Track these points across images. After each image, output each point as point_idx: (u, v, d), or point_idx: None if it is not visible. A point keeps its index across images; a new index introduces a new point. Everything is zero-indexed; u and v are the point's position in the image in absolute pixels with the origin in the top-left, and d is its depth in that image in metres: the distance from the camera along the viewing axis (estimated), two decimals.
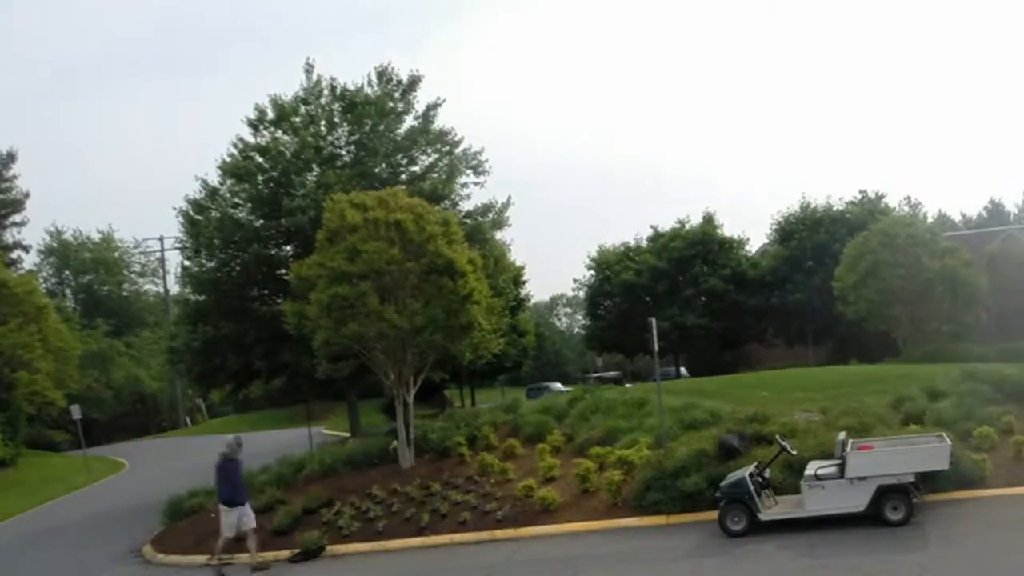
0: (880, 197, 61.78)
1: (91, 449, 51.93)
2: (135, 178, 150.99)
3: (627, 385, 43.67)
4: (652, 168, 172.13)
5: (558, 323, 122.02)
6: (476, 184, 36.11)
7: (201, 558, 21.58)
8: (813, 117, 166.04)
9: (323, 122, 36.17)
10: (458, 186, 35.38)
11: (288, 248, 34.53)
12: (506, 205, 36.17)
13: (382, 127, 35.04)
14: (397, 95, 35.97)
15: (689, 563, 15.63)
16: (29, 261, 79.19)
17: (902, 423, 19.76)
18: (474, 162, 35.65)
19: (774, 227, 63.91)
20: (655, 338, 21.47)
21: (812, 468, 16.76)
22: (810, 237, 58.53)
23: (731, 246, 63.31)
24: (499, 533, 19.37)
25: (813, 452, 17.87)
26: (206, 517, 24.39)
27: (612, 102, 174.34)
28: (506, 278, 37.71)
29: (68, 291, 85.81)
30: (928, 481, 16.55)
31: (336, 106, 35.96)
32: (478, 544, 19.06)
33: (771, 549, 15.47)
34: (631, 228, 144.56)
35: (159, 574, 21.55)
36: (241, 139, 35.87)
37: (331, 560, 19.90)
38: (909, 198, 58.04)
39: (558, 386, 63.82)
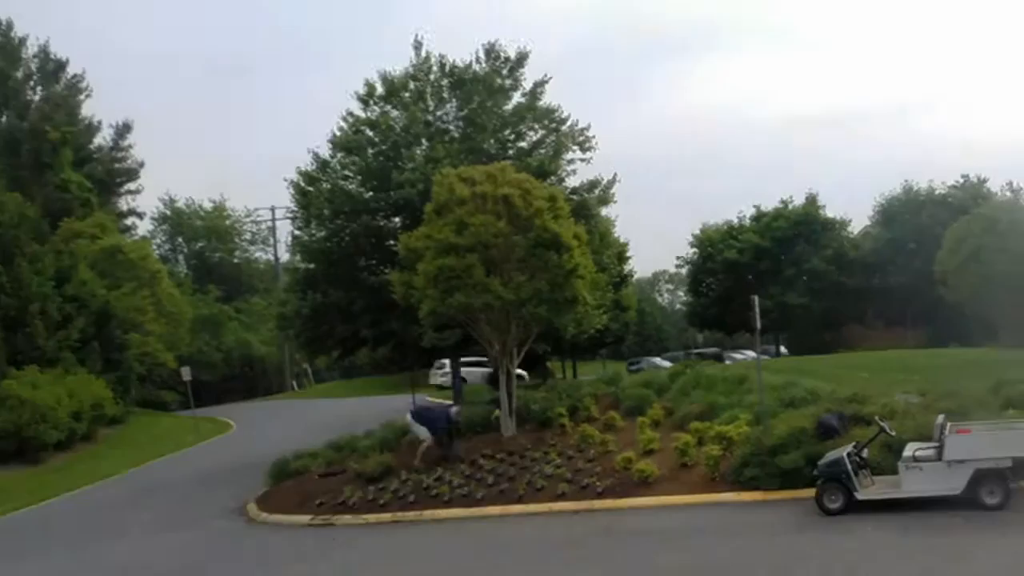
0: (982, 182, 60.67)
1: (200, 410, 53.19)
2: (248, 150, 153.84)
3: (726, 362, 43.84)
4: (757, 146, 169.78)
5: (660, 299, 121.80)
6: (582, 160, 36.34)
7: (304, 518, 22.25)
8: (918, 98, 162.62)
9: (431, 98, 36.59)
10: (564, 162, 35.62)
11: (396, 220, 34.98)
12: (612, 182, 36.34)
13: (490, 103, 35.26)
14: (505, 72, 36.23)
15: (785, 539, 15.83)
16: (143, 228, 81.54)
17: (1001, 407, 19.67)
18: (580, 139, 35.83)
19: (876, 209, 63.26)
20: (757, 316, 21.72)
21: (910, 450, 16.85)
22: (912, 220, 57.79)
23: (833, 227, 62.87)
24: (597, 503, 19.74)
25: (912, 434, 17.89)
26: (310, 479, 25.14)
27: (709, 82, 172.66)
28: (610, 254, 37.89)
29: (180, 257, 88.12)
30: None
31: (445, 82, 36.36)
32: (576, 514, 19.42)
33: (867, 528, 15.63)
34: (734, 207, 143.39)
35: (261, 531, 22.21)
36: (351, 113, 36.49)
37: (431, 525, 20.40)
38: (1011, 183, 56.82)
39: (660, 361, 64.18)
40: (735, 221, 66.69)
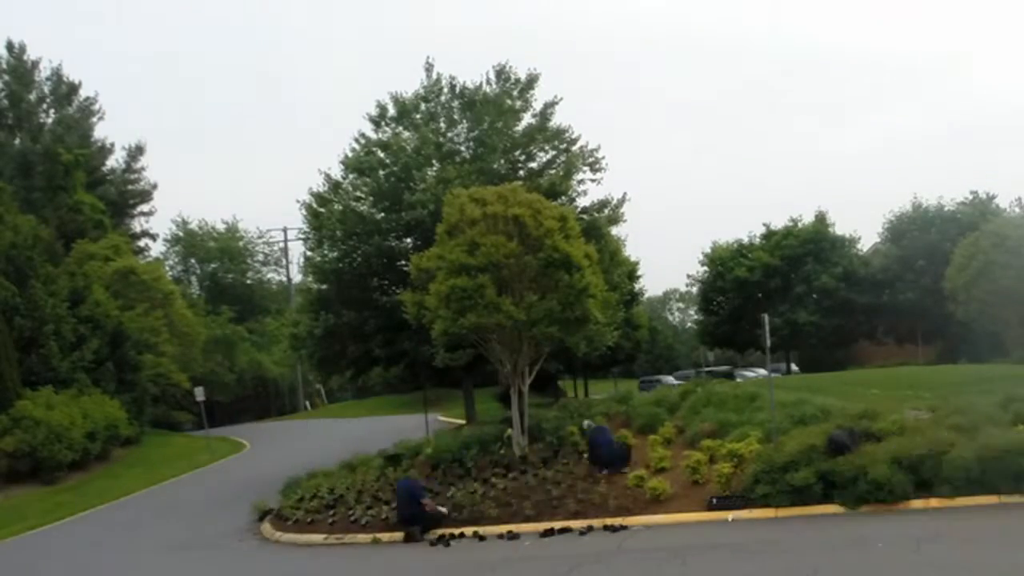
0: (991, 198, 60.64)
1: (213, 430, 53.45)
2: (259, 170, 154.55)
3: (738, 379, 43.94)
4: (762, 164, 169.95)
5: (671, 318, 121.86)
6: (593, 181, 36.61)
7: (317, 537, 22.43)
8: (925, 115, 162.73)
9: (443, 119, 36.90)
10: (575, 182, 35.85)
11: (408, 240, 35.23)
12: (622, 201, 36.60)
13: (500, 124, 35.57)
14: (515, 93, 36.48)
15: (792, 556, 15.85)
16: (156, 249, 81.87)
17: (1011, 423, 19.69)
18: (591, 159, 36.06)
19: (885, 226, 63.30)
20: (767, 334, 21.90)
21: None
22: (921, 237, 57.84)
23: (843, 244, 62.98)
24: (609, 521, 19.79)
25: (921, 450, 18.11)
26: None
27: (713, 98, 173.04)
28: (621, 272, 38.00)
29: (194, 278, 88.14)
30: None
31: (455, 104, 36.67)
32: (589, 531, 19.50)
33: (878, 545, 15.68)
34: (744, 225, 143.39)
35: (275, 551, 22.38)
36: (363, 135, 36.87)
37: (441, 547, 20.41)
38: (1020, 199, 56.73)
39: (670, 379, 64.48)
40: (745, 239, 66.80)
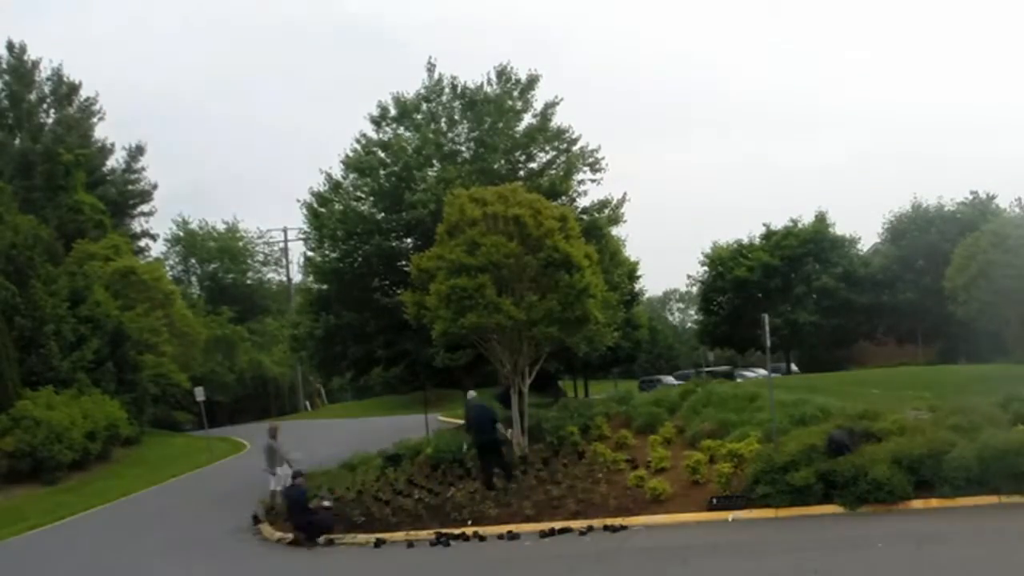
0: (991, 198, 60.59)
1: (213, 430, 53.34)
2: (260, 170, 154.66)
3: (738, 379, 43.83)
4: (765, 164, 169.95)
5: (671, 318, 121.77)
6: (593, 181, 36.65)
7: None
8: (925, 115, 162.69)
9: (444, 119, 36.92)
10: (575, 183, 35.88)
11: (409, 240, 35.26)
12: (622, 201, 36.64)
13: (501, 125, 35.59)
14: (516, 94, 36.51)
15: (794, 556, 15.88)
16: (156, 250, 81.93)
17: (1011, 423, 19.69)
18: (591, 159, 36.11)
19: (885, 226, 63.30)
20: (767, 334, 21.89)
21: None
22: (921, 237, 57.83)
23: (843, 245, 62.92)
24: (609, 521, 19.74)
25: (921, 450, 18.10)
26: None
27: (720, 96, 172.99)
28: (621, 273, 38.00)
29: (194, 279, 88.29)
30: None
31: (456, 104, 36.68)
32: (589, 531, 19.44)
33: (877, 544, 15.70)
34: (744, 225, 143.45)
35: (273, 551, 22.35)
36: (364, 135, 36.91)
37: (441, 547, 20.36)
38: (1020, 199, 56.70)
39: (670, 379, 64.46)
40: (745, 239, 66.75)
